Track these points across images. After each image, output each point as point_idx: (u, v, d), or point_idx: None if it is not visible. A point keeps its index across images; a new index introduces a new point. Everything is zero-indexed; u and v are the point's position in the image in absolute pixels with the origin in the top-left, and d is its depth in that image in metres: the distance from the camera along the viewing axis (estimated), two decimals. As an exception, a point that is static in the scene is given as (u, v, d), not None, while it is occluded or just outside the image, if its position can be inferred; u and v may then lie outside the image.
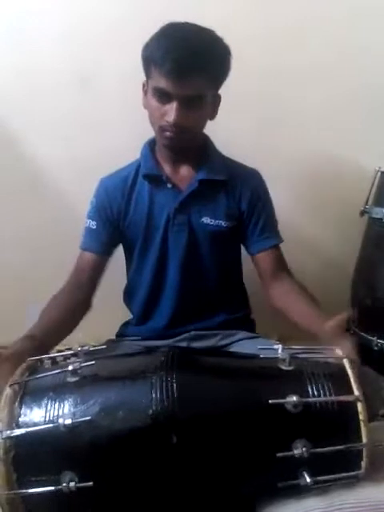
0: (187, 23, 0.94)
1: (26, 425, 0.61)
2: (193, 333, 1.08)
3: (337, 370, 0.68)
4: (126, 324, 1.17)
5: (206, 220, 1.05)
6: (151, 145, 1.10)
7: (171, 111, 0.92)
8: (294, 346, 0.72)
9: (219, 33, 0.95)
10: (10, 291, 1.51)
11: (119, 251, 1.15)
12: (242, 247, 1.15)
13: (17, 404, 0.62)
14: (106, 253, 1.10)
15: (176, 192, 1.05)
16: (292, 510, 0.64)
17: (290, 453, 0.61)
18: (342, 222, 1.55)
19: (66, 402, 0.62)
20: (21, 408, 0.62)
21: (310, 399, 0.63)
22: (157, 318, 1.11)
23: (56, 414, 0.61)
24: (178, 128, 0.94)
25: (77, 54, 1.39)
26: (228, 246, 1.10)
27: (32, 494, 0.59)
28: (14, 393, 0.63)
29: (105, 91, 1.43)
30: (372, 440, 0.63)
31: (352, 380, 0.65)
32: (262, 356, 0.70)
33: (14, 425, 0.61)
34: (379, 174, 1.31)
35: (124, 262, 1.17)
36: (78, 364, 0.66)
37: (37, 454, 0.60)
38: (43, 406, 0.62)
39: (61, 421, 0.59)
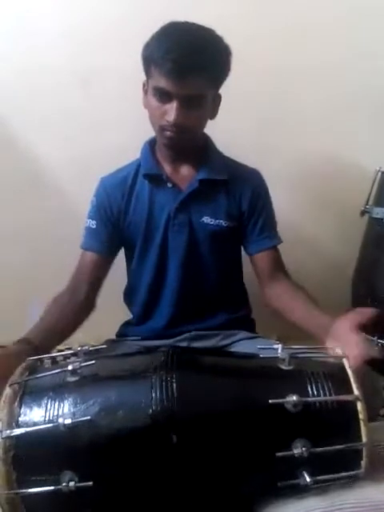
0: (187, 23, 0.94)
1: (26, 424, 0.61)
2: (193, 333, 1.08)
3: (336, 370, 0.68)
4: (126, 324, 1.17)
5: (206, 220, 1.05)
6: (151, 144, 1.10)
7: (171, 111, 0.92)
8: (293, 346, 0.72)
9: (219, 33, 0.95)
10: (10, 291, 1.52)
11: (119, 251, 1.15)
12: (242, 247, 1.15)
13: (16, 403, 0.62)
14: (107, 253, 1.10)
15: (176, 192, 1.05)
16: (292, 509, 0.64)
17: (289, 452, 0.61)
18: (343, 221, 1.55)
19: (65, 401, 0.62)
20: (20, 407, 0.62)
21: (310, 399, 0.63)
22: (157, 317, 1.11)
23: (56, 413, 0.61)
24: (179, 127, 0.94)
25: (77, 54, 1.40)
26: (228, 245, 1.10)
27: (31, 494, 0.59)
28: (14, 392, 0.63)
29: (105, 91, 1.43)
30: (372, 440, 0.63)
31: (352, 379, 0.65)
32: (261, 356, 0.70)
33: (13, 424, 0.60)
34: (379, 174, 1.32)
35: (124, 261, 1.17)
36: (77, 364, 0.66)
37: (36, 454, 0.60)
38: (43, 405, 0.62)
39: (61, 420, 0.59)
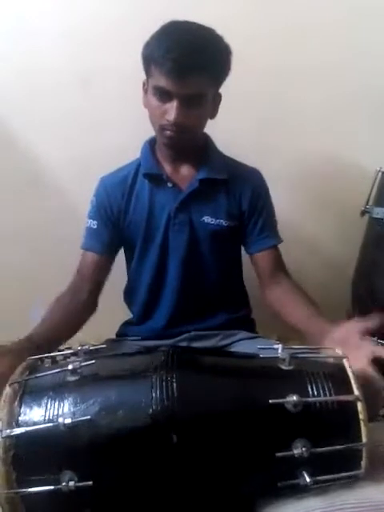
0: (188, 22, 0.94)
1: (26, 424, 0.61)
2: (193, 333, 1.08)
3: (337, 370, 0.68)
4: (126, 324, 1.17)
5: (206, 219, 1.05)
6: (151, 144, 1.09)
7: (172, 110, 0.92)
8: (294, 346, 0.72)
9: (219, 32, 0.95)
10: (11, 291, 1.52)
11: (119, 251, 1.15)
12: (242, 247, 1.15)
13: (16, 403, 0.62)
14: (107, 253, 1.09)
15: (176, 191, 1.05)
16: (292, 510, 0.64)
17: (289, 452, 0.61)
18: (343, 222, 1.55)
19: (65, 401, 0.62)
20: (20, 407, 0.62)
21: (310, 399, 0.63)
22: (157, 317, 1.11)
23: (56, 413, 0.61)
24: (179, 127, 0.94)
25: (77, 54, 1.40)
26: (228, 245, 1.10)
27: (31, 493, 0.59)
28: (14, 392, 0.63)
29: (105, 91, 1.43)
30: (372, 440, 0.63)
31: (352, 380, 0.65)
32: (261, 356, 0.70)
33: (13, 424, 0.60)
34: (380, 174, 1.32)
35: (124, 261, 1.17)
36: (77, 363, 0.66)
37: (36, 453, 0.60)
38: (43, 405, 0.62)
39: (61, 420, 0.59)
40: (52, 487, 0.58)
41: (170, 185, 1.05)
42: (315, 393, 0.64)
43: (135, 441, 0.61)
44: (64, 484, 0.58)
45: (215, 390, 0.65)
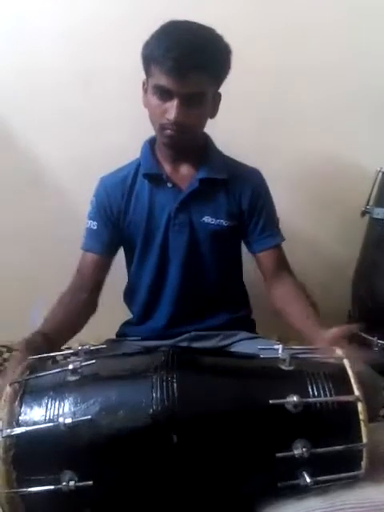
0: (187, 21, 0.94)
1: (26, 423, 0.61)
2: (193, 333, 1.08)
3: (337, 370, 0.68)
4: (126, 324, 1.17)
5: (206, 219, 1.05)
6: (151, 143, 1.09)
7: (172, 109, 0.92)
8: (294, 346, 0.72)
9: (219, 32, 0.95)
10: (11, 291, 1.51)
11: (119, 251, 1.14)
12: (243, 247, 1.15)
13: (17, 403, 0.62)
14: (108, 253, 1.09)
15: (176, 191, 1.05)
16: (292, 510, 0.64)
17: (290, 453, 0.61)
18: (343, 222, 1.55)
19: (66, 400, 0.62)
20: (21, 407, 0.62)
21: (311, 399, 0.63)
22: (157, 317, 1.11)
23: (56, 412, 0.61)
24: (179, 126, 0.94)
25: (77, 54, 1.40)
26: (228, 245, 1.10)
27: (31, 493, 0.59)
28: (15, 391, 0.63)
29: (105, 91, 1.43)
30: (372, 440, 0.63)
31: (352, 380, 0.65)
32: (262, 356, 0.70)
33: (14, 423, 0.61)
34: (380, 174, 1.32)
35: (124, 261, 1.17)
36: (78, 363, 0.66)
37: (37, 453, 0.60)
38: (43, 404, 0.62)
39: (61, 420, 0.59)
40: (52, 487, 0.58)
41: (169, 185, 1.05)
42: (315, 393, 0.64)
43: (135, 441, 0.61)
44: (64, 484, 0.58)
45: (215, 391, 0.65)
